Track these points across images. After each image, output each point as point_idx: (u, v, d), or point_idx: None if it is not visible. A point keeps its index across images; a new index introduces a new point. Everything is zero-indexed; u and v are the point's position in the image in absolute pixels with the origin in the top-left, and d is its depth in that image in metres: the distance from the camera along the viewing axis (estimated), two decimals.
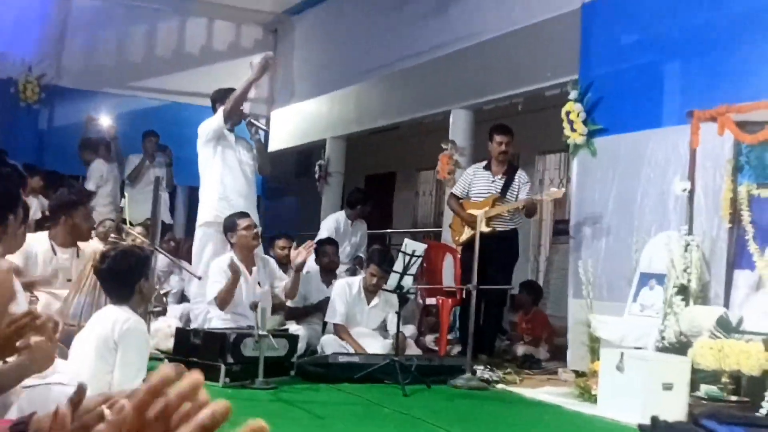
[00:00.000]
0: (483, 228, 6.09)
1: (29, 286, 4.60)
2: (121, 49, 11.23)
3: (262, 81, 11.91)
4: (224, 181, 6.24)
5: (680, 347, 4.66)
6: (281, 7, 11.42)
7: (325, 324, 6.24)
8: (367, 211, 8.27)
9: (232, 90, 6.38)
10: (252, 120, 6.24)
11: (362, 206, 8.16)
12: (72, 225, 4.79)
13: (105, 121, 9.81)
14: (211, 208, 6.21)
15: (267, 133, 6.37)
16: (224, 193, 6.21)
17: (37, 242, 4.74)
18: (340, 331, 6.00)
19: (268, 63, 6.04)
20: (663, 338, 4.78)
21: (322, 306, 6.41)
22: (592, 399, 4.87)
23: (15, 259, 4.42)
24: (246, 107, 6.36)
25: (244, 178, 6.30)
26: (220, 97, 6.42)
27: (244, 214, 5.89)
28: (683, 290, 4.90)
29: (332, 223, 8.10)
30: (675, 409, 4.20)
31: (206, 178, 6.35)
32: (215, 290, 5.56)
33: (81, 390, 1.15)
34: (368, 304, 6.17)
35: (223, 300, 5.52)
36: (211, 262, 5.86)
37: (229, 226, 5.82)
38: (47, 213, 5.10)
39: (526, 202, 6.50)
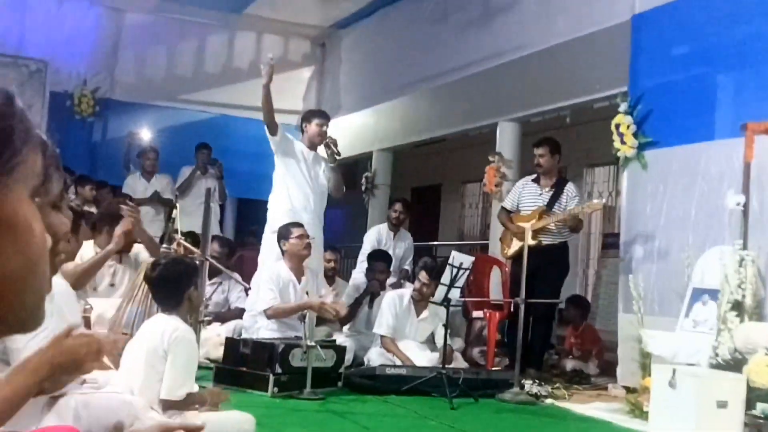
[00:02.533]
0: (530, 241, 6.04)
1: (85, 274, 4.72)
2: (172, 63, 11.43)
3: (311, 95, 12.11)
4: (291, 194, 6.35)
5: (735, 364, 4.55)
6: (329, 21, 11.51)
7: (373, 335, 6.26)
8: (405, 221, 8.23)
9: (314, 111, 6.71)
10: (328, 141, 6.37)
11: (404, 215, 8.13)
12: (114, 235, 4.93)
13: (146, 134, 10.01)
14: (276, 220, 6.31)
15: (339, 154, 6.47)
16: (291, 206, 6.31)
17: (84, 249, 4.87)
18: (387, 343, 5.99)
19: (271, 66, 6.18)
20: (717, 355, 4.68)
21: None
22: (644, 416, 4.78)
23: (70, 264, 4.55)
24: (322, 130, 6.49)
25: (313, 195, 6.39)
26: (303, 117, 6.68)
27: (297, 224, 5.97)
28: (737, 306, 4.79)
29: (374, 235, 8.10)
30: (729, 428, 4.10)
31: (274, 190, 6.48)
32: (268, 299, 5.63)
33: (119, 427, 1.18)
34: (417, 316, 6.16)
35: (276, 315, 5.60)
36: (262, 270, 5.94)
37: (283, 233, 5.90)
38: (95, 222, 5.25)
39: (567, 215, 6.42)
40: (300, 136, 6.62)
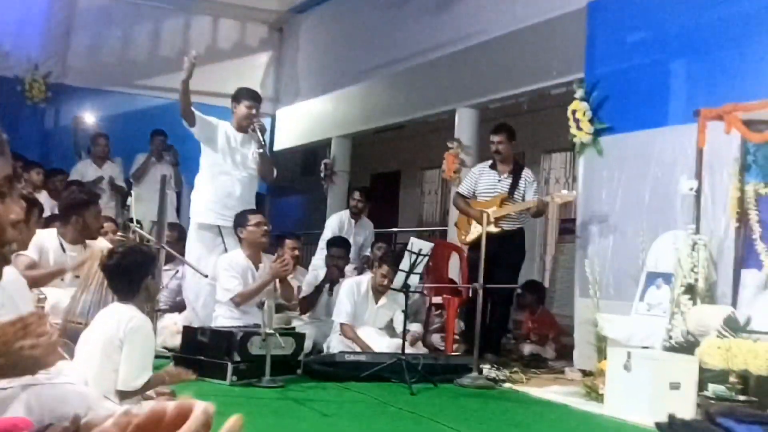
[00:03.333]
0: (491, 228, 6.07)
1: (44, 279, 4.63)
2: (126, 47, 11.23)
3: (268, 80, 12.01)
4: (215, 182, 6.12)
5: (688, 347, 4.64)
6: (286, 6, 11.43)
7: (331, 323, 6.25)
8: (365, 209, 8.21)
9: (244, 91, 6.35)
10: (255, 127, 6.12)
11: (364, 204, 8.11)
12: (83, 224, 4.85)
13: (90, 119, 9.84)
14: (199, 213, 6.18)
15: (264, 142, 6.16)
16: (214, 195, 6.10)
17: (48, 238, 4.78)
18: (346, 330, 6.00)
19: (192, 62, 5.98)
20: (670, 337, 4.77)
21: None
22: (599, 398, 4.85)
23: (29, 252, 4.47)
24: (254, 112, 6.24)
25: (239, 181, 6.15)
26: (234, 96, 6.36)
27: (255, 211, 5.90)
28: (690, 289, 4.88)
29: (335, 221, 8.08)
30: (683, 409, 4.18)
31: (198, 177, 6.31)
32: (232, 286, 5.58)
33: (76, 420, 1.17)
34: (376, 303, 6.17)
35: (243, 300, 5.56)
36: (219, 259, 5.85)
37: (240, 221, 5.83)
38: (57, 211, 5.15)
39: (537, 204, 6.44)
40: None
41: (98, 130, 9.60)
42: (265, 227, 5.84)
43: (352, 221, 8.04)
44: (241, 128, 6.18)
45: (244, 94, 6.27)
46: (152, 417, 0.79)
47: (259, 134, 6.07)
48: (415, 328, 6.31)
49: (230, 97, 6.29)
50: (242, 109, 6.16)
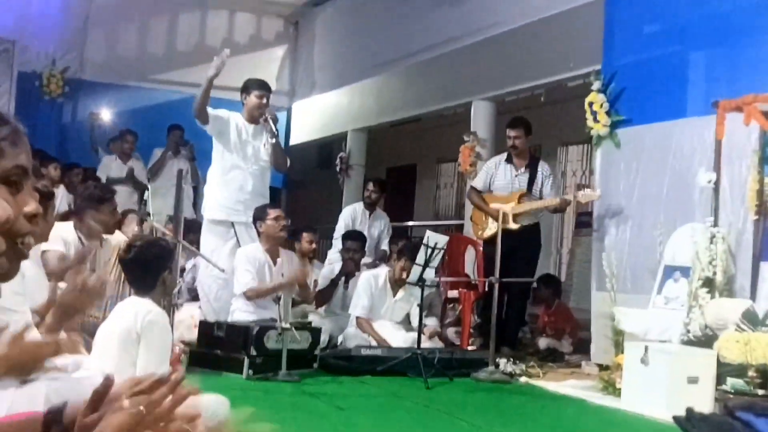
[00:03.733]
0: (510, 225, 6.05)
1: (64, 272, 4.66)
2: (143, 41, 11.27)
3: (284, 74, 12.01)
4: (226, 176, 6.14)
5: (706, 340, 4.61)
6: None
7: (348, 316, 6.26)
8: (380, 200, 8.18)
9: (254, 81, 6.33)
10: (267, 117, 6.11)
11: (378, 195, 8.07)
12: (99, 220, 4.88)
13: (106, 115, 9.88)
14: (212, 209, 6.19)
15: (276, 132, 6.14)
16: (227, 191, 6.13)
17: (68, 232, 4.82)
18: (362, 324, 6.00)
19: (224, 60, 5.99)
20: (688, 331, 4.73)
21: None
22: (617, 393, 4.83)
23: (57, 246, 4.51)
24: (266, 103, 6.23)
25: (251, 174, 6.17)
26: (243, 87, 6.34)
27: (274, 205, 5.92)
28: (708, 283, 4.84)
29: (349, 213, 8.02)
30: (701, 403, 4.14)
31: (211, 171, 6.31)
32: (246, 281, 5.60)
33: (108, 381, 1.18)
34: (394, 296, 6.17)
35: (255, 296, 5.58)
36: (237, 252, 5.88)
37: (259, 215, 5.85)
38: (72, 206, 5.18)
39: (560, 203, 6.37)
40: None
41: (124, 127, 9.62)
42: (284, 222, 5.86)
43: (366, 213, 7.99)
44: (253, 119, 6.17)
45: (253, 85, 6.27)
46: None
47: (271, 124, 6.08)
48: (431, 322, 6.30)
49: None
50: (252, 99, 6.15)
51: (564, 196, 6.53)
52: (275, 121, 6.14)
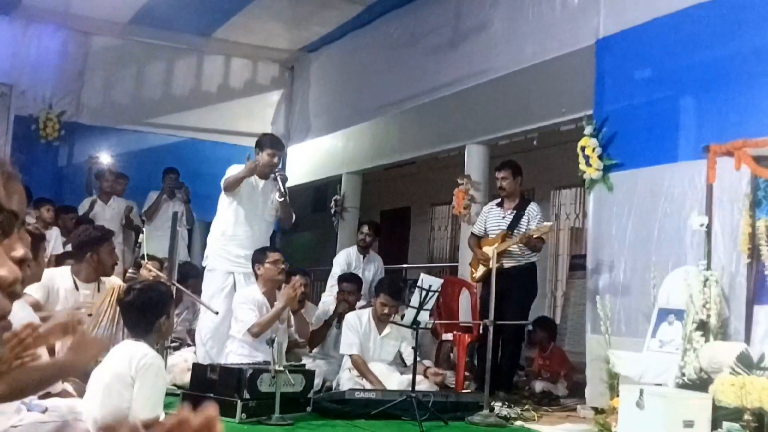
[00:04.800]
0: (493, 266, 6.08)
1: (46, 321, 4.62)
2: (139, 86, 11.37)
3: (279, 118, 12.11)
4: (236, 229, 6.25)
5: (701, 384, 4.59)
6: (297, 45, 11.55)
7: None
8: (374, 243, 8.23)
9: (268, 139, 6.48)
10: (278, 176, 6.25)
11: (372, 238, 8.12)
12: (97, 261, 4.85)
13: (105, 158, 9.92)
14: (218, 258, 6.26)
15: (285, 191, 6.26)
16: (232, 243, 6.24)
17: (60, 277, 4.77)
18: (357, 362, 5.98)
19: (256, 164, 6.15)
20: (683, 374, 4.72)
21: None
22: None
23: (34, 292, 4.45)
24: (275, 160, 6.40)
25: (258, 228, 6.29)
26: (258, 142, 6.47)
27: (273, 248, 5.96)
28: (703, 326, 4.85)
29: (344, 258, 8.09)
30: None
31: (217, 220, 6.40)
32: (250, 319, 5.60)
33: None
34: (380, 333, 6.17)
35: (261, 330, 5.57)
36: (236, 294, 5.92)
37: (257, 258, 5.88)
38: (71, 249, 5.15)
39: (521, 238, 6.47)
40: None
41: (117, 170, 9.66)
42: (282, 265, 5.90)
43: (360, 256, 8.04)
44: (264, 175, 6.30)
45: (267, 143, 6.41)
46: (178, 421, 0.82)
47: (281, 184, 6.18)
48: (426, 363, 6.29)
49: (243, 135, 6.42)
50: (265, 157, 6.29)
51: (525, 231, 6.57)
52: (284, 180, 6.24)
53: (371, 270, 8.08)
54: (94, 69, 10.95)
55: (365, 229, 8.16)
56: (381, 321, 6.15)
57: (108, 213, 9.18)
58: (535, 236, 6.44)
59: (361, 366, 5.95)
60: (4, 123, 9.73)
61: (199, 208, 9.58)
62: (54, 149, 10.48)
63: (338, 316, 6.72)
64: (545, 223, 6.48)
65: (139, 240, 5.54)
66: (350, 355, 6.03)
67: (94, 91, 10.94)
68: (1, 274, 0.80)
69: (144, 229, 7.62)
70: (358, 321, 6.15)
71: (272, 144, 6.40)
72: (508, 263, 6.55)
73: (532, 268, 6.75)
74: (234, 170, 6.25)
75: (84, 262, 4.86)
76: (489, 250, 6.35)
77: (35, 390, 2.52)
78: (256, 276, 5.89)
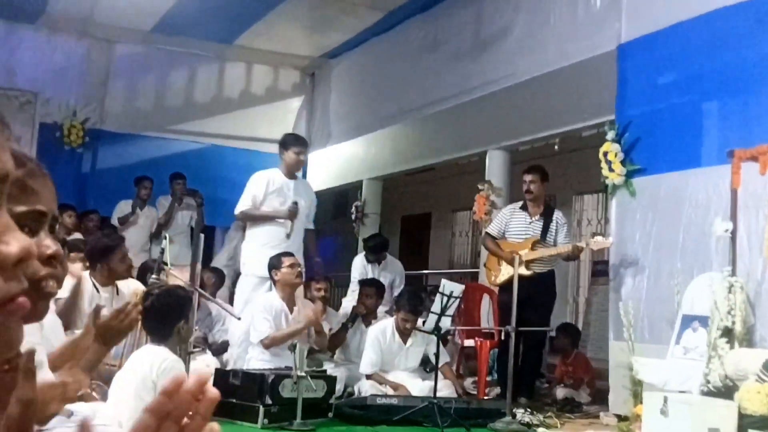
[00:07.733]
0: (522, 271, 6.03)
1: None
2: (162, 93, 11.45)
3: (300, 124, 12.16)
4: (270, 234, 6.38)
5: (726, 391, 4.54)
6: (318, 51, 11.59)
7: None
8: (383, 253, 8.25)
9: (291, 138, 6.60)
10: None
11: (380, 252, 8.15)
12: (109, 268, 4.94)
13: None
14: (258, 264, 6.32)
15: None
16: (269, 246, 6.32)
17: (85, 280, 4.87)
18: (375, 378, 5.99)
19: (294, 211, 6.41)
20: (708, 382, 4.67)
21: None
22: None
23: (62, 292, 4.51)
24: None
25: (293, 231, 6.41)
26: (281, 142, 6.56)
27: (288, 253, 5.99)
28: (727, 332, 4.79)
29: (360, 261, 8.15)
30: None
31: (254, 229, 6.47)
32: (264, 329, 5.62)
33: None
34: (405, 344, 6.15)
35: (273, 344, 5.59)
36: (254, 301, 5.95)
37: (273, 263, 5.91)
38: (88, 257, 5.25)
39: (572, 250, 6.37)
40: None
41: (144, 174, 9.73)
42: (299, 269, 5.91)
43: (369, 266, 8.06)
44: (291, 175, 6.40)
45: (292, 141, 6.53)
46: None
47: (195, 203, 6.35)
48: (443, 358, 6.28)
49: (265, 141, 6.50)
50: (291, 155, 6.41)
51: (577, 243, 6.51)
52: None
53: (387, 277, 8.03)
54: (118, 76, 11.05)
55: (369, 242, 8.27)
56: (404, 332, 6.15)
57: (141, 219, 9.27)
58: (595, 249, 6.36)
59: (380, 380, 5.97)
60: (29, 130, 9.84)
61: (219, 213, 9.62)
62: (78, 156, 10.58)
63: (354, 317, 6.72)
64: (601, 238, 6.24)
65: (162, 246, 5.56)
66: (366, 375, 6.04)
67: (118, 98, 11.04)
68: (5, 250, 0.76)
69: (167, 235, 7.66)
70: (382, 335, 6.13)
71: (297, 142, 6.53)
72: (538, 269, 6.50)
73: (552, 273, 6.72)
74: (256, 182, 6.35)
75: (96, 270, 4.97)
76: (522, 253, 6.27)
77: None
78: (274, 282, 5.91)
